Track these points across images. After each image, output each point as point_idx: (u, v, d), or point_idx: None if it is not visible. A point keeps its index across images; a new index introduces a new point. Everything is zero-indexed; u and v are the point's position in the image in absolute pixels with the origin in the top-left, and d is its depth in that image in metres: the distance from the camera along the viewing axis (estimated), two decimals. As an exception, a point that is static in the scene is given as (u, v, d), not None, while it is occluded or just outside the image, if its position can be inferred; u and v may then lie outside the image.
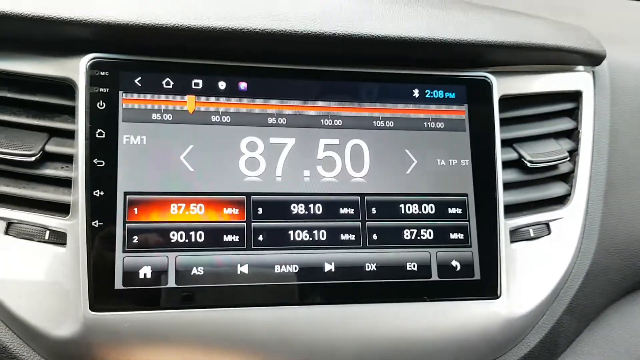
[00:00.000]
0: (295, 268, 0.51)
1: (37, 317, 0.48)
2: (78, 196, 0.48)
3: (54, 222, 0.49)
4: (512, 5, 0.77)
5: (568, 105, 0.63)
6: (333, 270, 0.51)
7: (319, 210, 0.52)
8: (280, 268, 0.50)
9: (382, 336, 0.52)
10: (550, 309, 0.58)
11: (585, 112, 0.63)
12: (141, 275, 0.48)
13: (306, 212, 0.52)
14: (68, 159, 0.51)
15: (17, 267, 0.49)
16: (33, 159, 0.50)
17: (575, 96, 0.63)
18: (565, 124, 0.62)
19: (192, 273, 0.49)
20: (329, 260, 0.51)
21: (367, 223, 0.53)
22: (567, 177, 0.62)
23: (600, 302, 0.63)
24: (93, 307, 0.47)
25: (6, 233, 0.49)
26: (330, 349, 0.51)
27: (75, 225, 0.48)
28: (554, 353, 0.60)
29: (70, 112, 0.51)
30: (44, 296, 0.48)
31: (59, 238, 0.49)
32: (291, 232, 0.51)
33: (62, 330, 0.47)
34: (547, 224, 0.59)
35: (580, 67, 0.64)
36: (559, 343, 0.60)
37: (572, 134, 0.63)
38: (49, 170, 0.51)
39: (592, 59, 0.63)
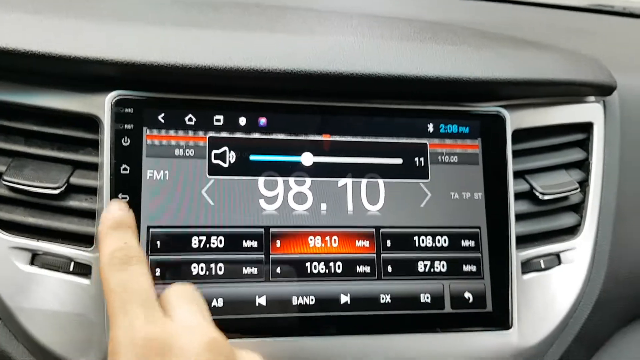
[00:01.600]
0: (312, 299, 0.52)
1: (62, 347, 0.49)
2: (102, 229, 0.50)
3: (78, 253, 0.51)
4: (531, 29, 0.79)
5: (579, 136, 0.64)
6: (349, 302, 0.52)
7: (335, 242, 0.53)
8: (298, 299, 0.52)
9: (397, 366, 0.53)
10: (559, 338, 0.60)
11: (596, 142, 0.64)
12: (163, 307, 0.49)
13: (323, 245, 0.53)
14: (92, 191, 0.52)
15: (42, 297, 0.50)
16: (58, 191, 0.51)
17: (586, 127, 0.64)
18: (576, 155, 0.64)
19: (212, 305, 0.50)
20: (344, 291, 0.53)
21: (382, 255, 0.54)
22: (578, 208, 0.63)
23: (607, 330, 0.64)
24: (117, 339, 0.48)
25: (32, 264, 0.51)
26: (346, 379, 0.52)
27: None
28: (563, 381, 0.62)
29: (94, 145, 0.53)
30: (68, 326, 0.50)
31: (83, 269, 0.51)
32: (308, 263, 0.52)
33: (87, 359, 0.49)
34: (557, 255, 0.60)
35: (591, 98, 0.65)
36: (568, 371, 0.61)
37: (583, 165, 0.64)
38: (73, 202, 0.52)
39: (603, 90, 0.64)
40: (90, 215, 0.52)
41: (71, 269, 0.51)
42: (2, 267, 0.50)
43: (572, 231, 0.62)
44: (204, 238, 0.51)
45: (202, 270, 0.50)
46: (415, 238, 0.55)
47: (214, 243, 0.51)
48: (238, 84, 0.52)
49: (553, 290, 0.59)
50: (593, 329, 0.62)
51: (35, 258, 0.51)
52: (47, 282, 0.50)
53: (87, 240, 0.52)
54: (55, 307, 0.50)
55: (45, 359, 0.51)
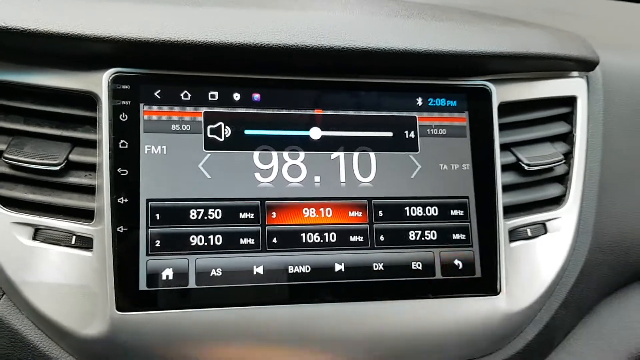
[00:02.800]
0: (308, 268, 0.54)
1: (66, 318, 0.51)
2: (102, 203, 0.51)
3: (79, 227, 0.52)
4: (510, 10, 0.80)
5: (563, 110, 0.66)
6: (343, 270, 0.54)
7: (328, 213, 0.55)
8: (294, 268, 0.53)
9: (390, 331, 0.55)
10: (546, 304, 0.62)
11: (580, 116, 0.66)
12: (164, 277, 0.51)
13: (317, 216, 0.55)
14: (91, 167, 0.54)
15: (45, 270, 0.52)
16: (58, 167, 0.52)
17: (570, 101, 0.66)
18: (560, 128, 0.66)
19: (211, 274, 0.52)
20: (339, 260, 0.54)
21: (374, 225, 0.56)
22: (563, 179, 0.65)
23: (593, 297, 0.67)
24: (119, 308, 0.50)
25: (34, 238, 0.52)
26: (342, 344, 0.54)
27: (101, 231, 0.51)
28: (551, 345, 0.64)
29: (92, 122, 0.54)
30: (72, 298, 0.51)
31: (85, 243, 0.52)
32: (303, 234, 0.54)
33: (90, 330, 0.51)
34: (543, 224, 0.62)
35: (575, 73, 0.67)
36: (555, 336, 0.63)
37: (567, 138, 0.66)
38: (73, 179, 0.53)
39: (586, 65, 0.66)
40: (90, 190, 0.53)
41: (73, 242, 0.52)
42: (5, 242, 0.51)
43: (557, 201, 0.64)
44: (201, 210, 0.52)
45: (200, 241, 0.52)
46: (406, 208, 0.56)
47: (211, 215, 0.53)
48: (232, 60, 0.54)
49: (540, 257, 0.61)
50: (579, 295, 0.64)
51: (37, 233, 0.52)
52: (49, 255, 0.52)
53: (87, 215, 0.53)
54: (58, 280, 0.51)
55: (49, 331, 0.52)
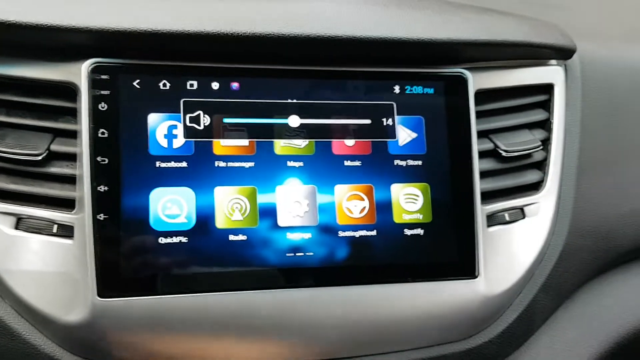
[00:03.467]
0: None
1: (47, 305, 0.51)
2: (83, 192, 0.52)
3: (60, 216, 0.53)
4: (487, 2, 0.81)
5: (541, 98, 0.67)
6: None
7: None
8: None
9: (368, 316, 0.56)
10: (526, 287, 0.63)
11: (557, 103, 0.67)
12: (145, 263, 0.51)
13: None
14: (72, 158, 0.54)
15: (28, 258, 0.52)
16: (39, 157, 0.53)
17: (547, 89, 0.67)
18: (538, 115, 0.67)
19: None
20: (318, 246, 0.55)
21: (353, 211, 0.57)
22: (541, 165, 0.66)
23: (573, 282, 0.68)
24: (101, 294, 0.50)
25: (16, 228, 0.53)
26: (321, 328, 0.55)
27: (82, 219, 0.52)
28: (531, 329, 0.65)
29: (72, 113, 0.55)
30: (53, 285, 0.52)
31: (66, 231, 0.53)
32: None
33: (72, 316, 0.51)
34: (521, 209, 0.63)
35: (553, 61, 0.68)
36: (535, 319, 0.64)
37: (545, 125, 0.67)
38: (54, 169, 0.54)
39: (563, 53, 0.67)
40: (72, 180, 0.54)
41: (54, 230, 0.53)
42: (-12, 231, 0.52)
43: (536, 187, 0.65)
44: (181, 198, 0.53)
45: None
46: (385, 194, 0.57)
47: None
48: (211, 49, 0.55)
49: (518, 242, 0.62)
50: (558, 279, 0.65)
51: (19, 222, 0.53)
52: (31, 244, 0.52)
53: (68, 204, 0.54)
54: (40, 268, 0.52)
55: (32, 318, 0.53)
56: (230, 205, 0.54)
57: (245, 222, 0.54)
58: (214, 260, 0.53)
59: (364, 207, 0.56)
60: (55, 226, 0.53)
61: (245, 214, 0.54)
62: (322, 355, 0.57)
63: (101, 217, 0.51)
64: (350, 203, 0.56)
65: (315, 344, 0.56)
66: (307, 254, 0.54)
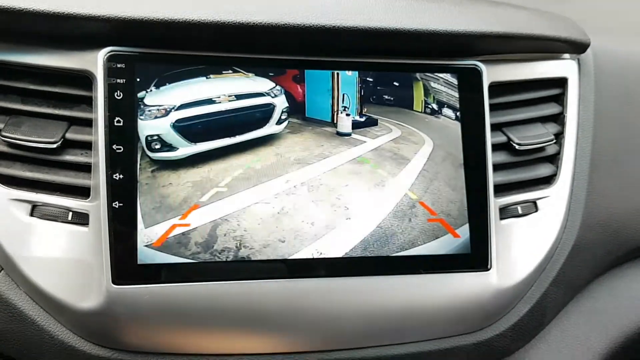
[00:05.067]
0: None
1: (63, 292, 0.52)
2: (98, 180, 0.52)
3: (76, 203, 0.53)
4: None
5: (554, 91, 0.67)
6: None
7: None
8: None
9: (381, 307, 0.56)
10: (537, 280, 0.63)
11: (571, 97, 0.67)
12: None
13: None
14: (87, 146, 0.55)
15: (43, 246, 0.53)
16: (55, 145, 0.53)
17: (561, 82, 0.67)
18: (551, 109, 0.66)
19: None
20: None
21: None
22: (554, 159, 0.66)
23: (585, 275, 0.67)
24: (115, 281, 0.51)
25: (31, 215, 0.53)
26: (333, 319, 0.55)
27: (97, 207, 0.52)
28: (542, 322, 0.65)
29: (88, 102, 0.55)
30: (69, 272, 0.52)
31: (81, 218, 0.53)
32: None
33: (87, 303, 0.51)
34: (534, 202, 0.63)
35: (566, 55, 0.68)
36: (546, 312, 0.64)
37: (558, 118, 0.67)
38: (70, 157, 0.54)
39: (577, 47, 0.66)
40: (86, 168, 0.54)
41: (69, 218, 0.53)
42: (3, 218, 0.52)
43: (548, 180, 0.65)
44: (196, 187, 0.53)
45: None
46: (399, 185, 0.57)
47: None
48: (227, 38, 0.55)
49: (530, 235, 0.62)
50: (570, 273, 0.65)
51: (34, 209, 0.53)
52: (46, 231, 0.53)
53: (83, 192, 0.54)
54: (55, 255, 0.52)
55: (47, 305, 0.53)
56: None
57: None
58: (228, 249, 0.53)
59: (378, 198, 0.57)
60: (70, 213, 0.53)
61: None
62: (335, 345, 0.57)
63: (116, 204, 0.51)
64: (363, 194, 0.56)
65: (328, 334, 0.56)
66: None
